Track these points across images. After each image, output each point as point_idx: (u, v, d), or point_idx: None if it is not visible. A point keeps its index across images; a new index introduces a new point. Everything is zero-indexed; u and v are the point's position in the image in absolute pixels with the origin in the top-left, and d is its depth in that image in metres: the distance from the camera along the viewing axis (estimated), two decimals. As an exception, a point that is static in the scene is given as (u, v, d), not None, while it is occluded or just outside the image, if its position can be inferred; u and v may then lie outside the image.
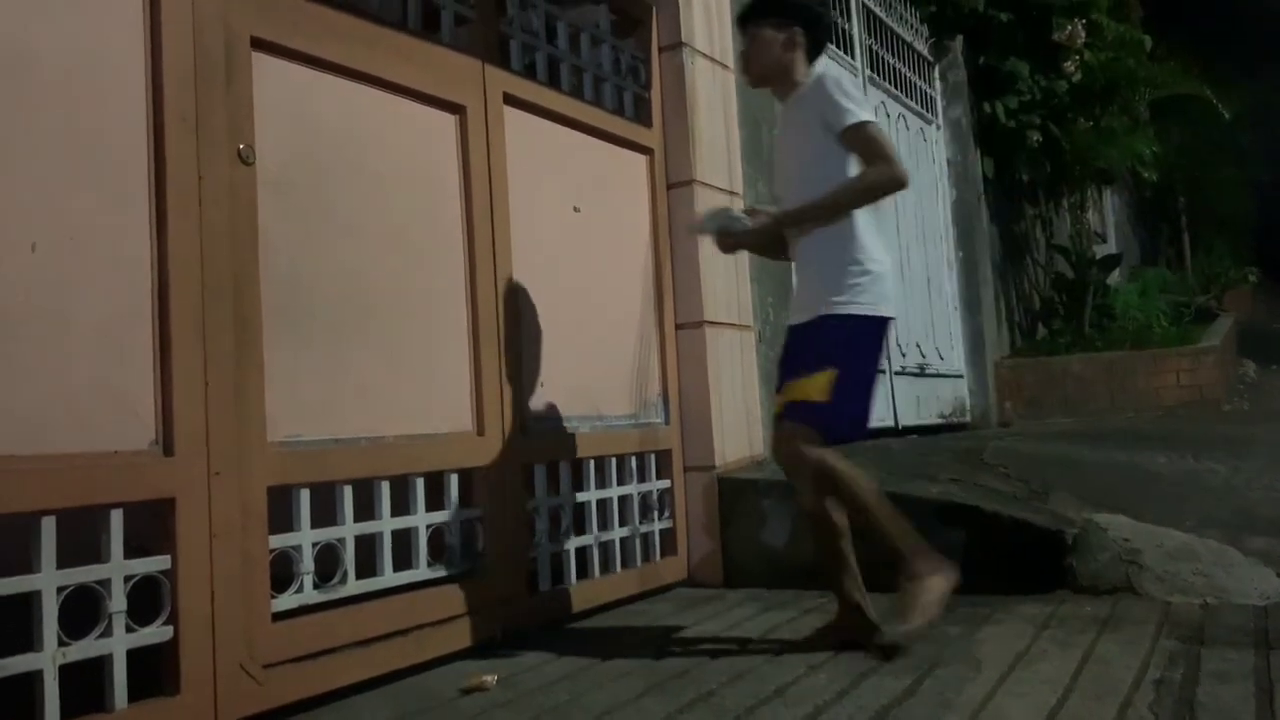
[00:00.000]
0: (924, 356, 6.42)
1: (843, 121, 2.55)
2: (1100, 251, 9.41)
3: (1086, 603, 3.02)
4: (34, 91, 1.94)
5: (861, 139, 2.55)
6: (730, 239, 2.80)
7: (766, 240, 2.80)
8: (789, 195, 2.77)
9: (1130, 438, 5.21)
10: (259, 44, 2.39)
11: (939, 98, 7.26)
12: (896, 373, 5.96)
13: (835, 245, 2.61)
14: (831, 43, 2.82)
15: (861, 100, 2.60)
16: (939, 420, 6.52)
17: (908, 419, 6.01)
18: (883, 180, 2.56)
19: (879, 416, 5.67)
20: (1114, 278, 9.08)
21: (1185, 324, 8.39)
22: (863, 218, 2.61)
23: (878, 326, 2.61)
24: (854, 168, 2.59)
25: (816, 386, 2.53)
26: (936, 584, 2.56)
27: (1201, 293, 10.00)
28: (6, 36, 1.91)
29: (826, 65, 2.76)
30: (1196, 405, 6.93)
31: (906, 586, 2.56)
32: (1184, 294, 9.72)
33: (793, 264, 2.84)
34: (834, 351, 2.56)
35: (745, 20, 2.79)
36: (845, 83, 2.63)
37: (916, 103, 6.86)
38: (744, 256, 4.12)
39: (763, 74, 2.80)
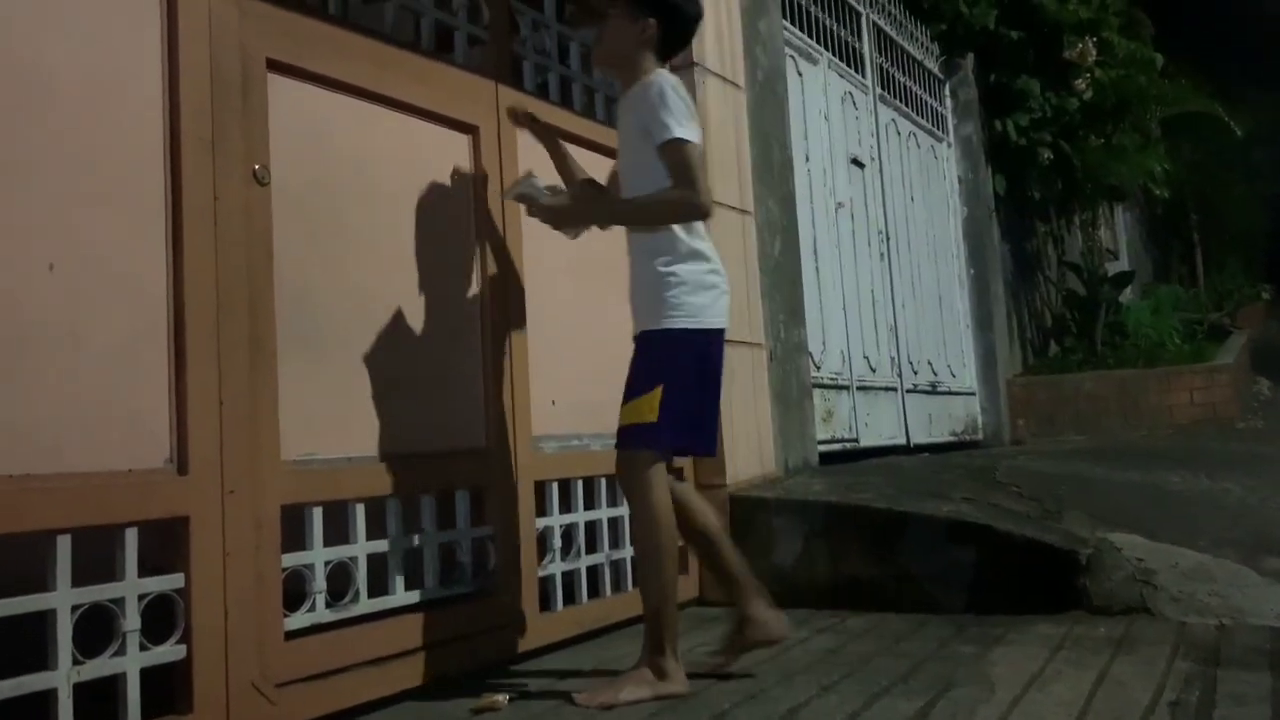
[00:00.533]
0: (935, 374, 6.41)
1: (659, 136, 2.46)
2: (1112, 268, 9.40)
3: (1101, 623, 3.00)
4: (52, 112, 1.96)
5: (671, 157, 2.46)
6: (531, 208, 2.75)
7: (569, 219, 2.75)
8: (623, 191, 2.70)
9: (1144, 456, 5.20)
10: (275, 65, 2.41)
11: (950, 115, 7.27)
12: (908, 390, 5.96)
13: (651, 258, 2.54)
14: (686, 45, 2.67)
15: (684, 113, 2.48)
16: (951, 438, 6.50)
17: (919, 436, 6.00)
18: (681, 205, 2.48)
19: (890, 434, 5.66)
20: (1126, 295, 9.06)
21: (1198, 341, 8.37)
22: (680, 228, 2.54)
23: (701, 338, 2.53)
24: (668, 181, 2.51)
25: (648, 406, 2.46)
26: (653, 685, 2.43)
27: (1214, 310, 9.98)
28: (25, 58, 1.93)
29: (663, 74, 2.58)
30: (1210, 423, 6.91)
31: (632, 668, 2.48)
32: (1197, 311, 9.69)
33: None
34: (657, 368, 2.49)
35: (594, 5, 2.69)
36: (670, 94, 2.48)
37: (927, 120, 6.88)
38: (755, 276, 4.13)
39: (608, 61, 2.75)
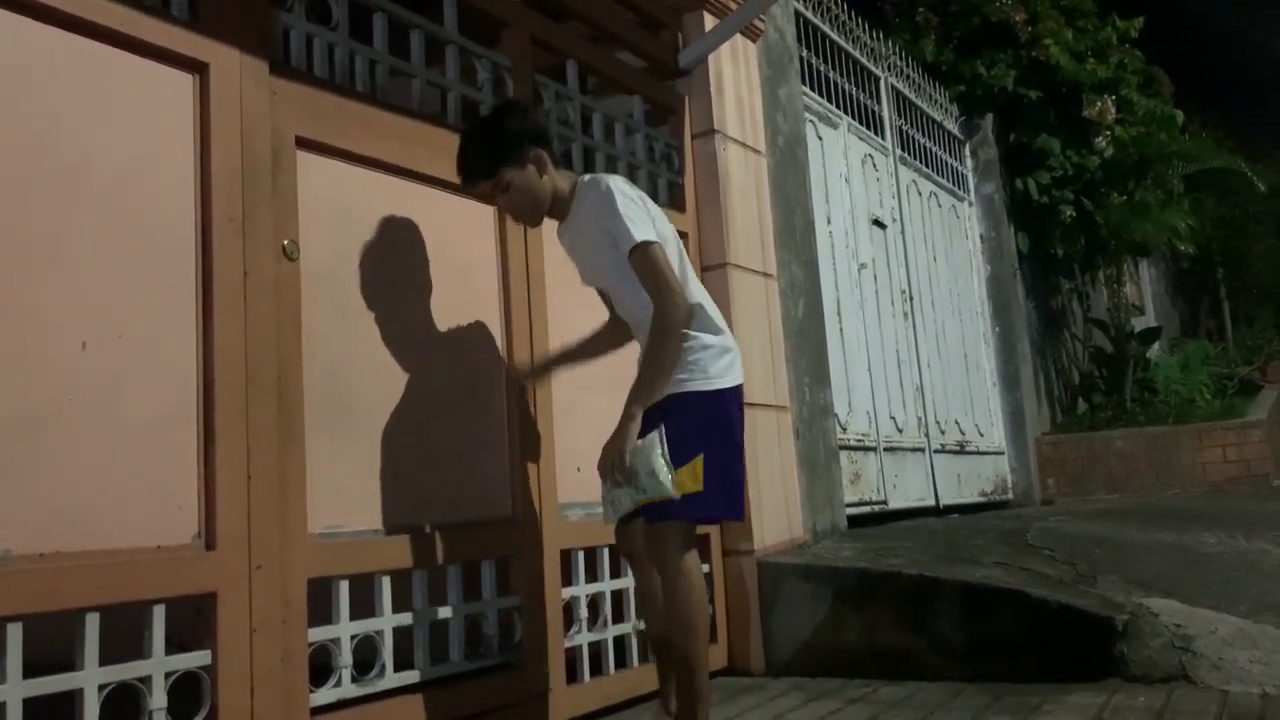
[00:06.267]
0: (963, 433, 6.36)
1: (624, 246, 2.43)
2: (1139, 324, 9.33)
3: (1140, 692, 2.93)
4: (87, 195, 2.01)
5: (639, 266, 2.44)
6: (603, 467, 2.50)
7: (624, 439, 2.45)
8: (631, 316, 2.64)
9: (1178, 516, 5.11)
10: (304, 143, 2.46)
11: (970, 174, 7.31)
12: (936, 451, 5.91)
13: None
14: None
15: (640, 212, 2.46)
16: (981, 498, 6.43)
17: (949, 497, 5.94)
18: (672, 322, 2.42)
19: (918, 496, 5.61)
20: (1154, 350, 8.98)
21: (1229, 397, 8.25)
22: (691, 296, 2.52)
23: (730, 395, 2.52)
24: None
25: (690, 476, 2.41)
26: None
27: (1244, 364, 9.84)
28: (63, 143, 1.98)
29: (594, 177, 2.56)
30: (1244, 481, 6.79)
31: None
32: (1227, 366, 9.57)
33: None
34: (693, 435, 2.43)
35: (480, 178, 2.55)
36: (618, 196, 2.45)
37: (948, 180, 6.91)
38: (779, 339, 4.13)
39: (535, 214, 2.63)
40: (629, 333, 2.74)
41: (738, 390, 2.56)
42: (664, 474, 2.38)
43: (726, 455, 2.51)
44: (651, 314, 2.47)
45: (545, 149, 2.57)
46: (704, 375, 2.49)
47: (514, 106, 2.67)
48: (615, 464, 2.44)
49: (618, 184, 2.51)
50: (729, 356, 2.55)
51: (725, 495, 2.50)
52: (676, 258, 2.54)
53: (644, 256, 2.43)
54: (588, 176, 2.62)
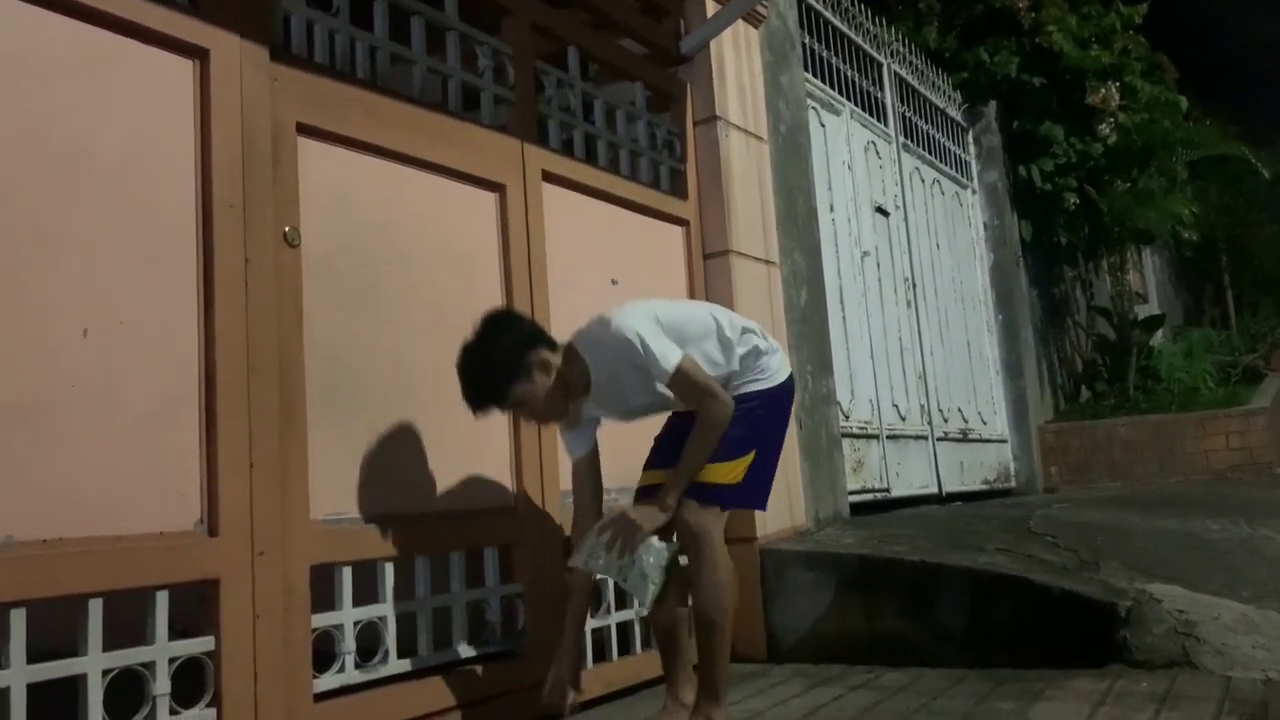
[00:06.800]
0: (966, 421, 6.35)
1: (661, 377, 2.45)
2: (1142, 312, 9.30)
3: (1142, 678, 2.93)
4: (88, 181, 2.01)
5: (679, 388, 2.48)
6: (616, 539, 2.48)
7: (658, 515, 2.49)
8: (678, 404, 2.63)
9: (1181, 504, 5.11)
10: (304, 129, 2.45)
11: (974, 162, 7.28)
12: (939, 439, 5.90)
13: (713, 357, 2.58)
14: None
15: (656, 337, 2.44)
16: (983, 486, 6.43)
17: (951, 485, 5.93)
18: (716, 421, 2.47)
19: (921, 483, 5.61)
20: (1157, 338, 8.96)
21: (1233, 385, 8.24)
22: (717, 327, 2.59)
23: (786, 389, 2.67)
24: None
25: (736, 468, 2.53)
26: None
27: (1248, 352, 9.81)
28: (63, 129, 1.98)
29: (592, 335, 2.54)
30: (1247, 468, 6.78)
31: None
32: (1230, 354, 9.55)
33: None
34: (753, 433, 2.56)
35: (492, 405, 2.49)
36: (637, 339, 2.42)
37: (951, 167, 6.89)
38: (781, 327, 4.13)
39: (558, 409, 2.57)
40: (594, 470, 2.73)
41: (790, 381, 2.70)
42: (653, 588, 2.44)
43: (770, 455, 2.64)
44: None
45: (543, 347, 2.51)
46: (762, 375, 2.63)
47: (500, 321, 2.54)
48: (624, 542, 2.46)
49: (625, 322, 2.46)
50: (776, 358, 2.68)
51: (756, 487, 2.62)
52: (701, 322, 2.59)
53: (680, 379, 2.47)
54: (579, 337, 2.56)
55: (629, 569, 2.45)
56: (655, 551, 2.45)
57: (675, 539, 2.54)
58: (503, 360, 2.44)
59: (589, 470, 2.72)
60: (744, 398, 2.58)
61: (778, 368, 2.67)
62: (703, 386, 2.49)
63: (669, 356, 2.44)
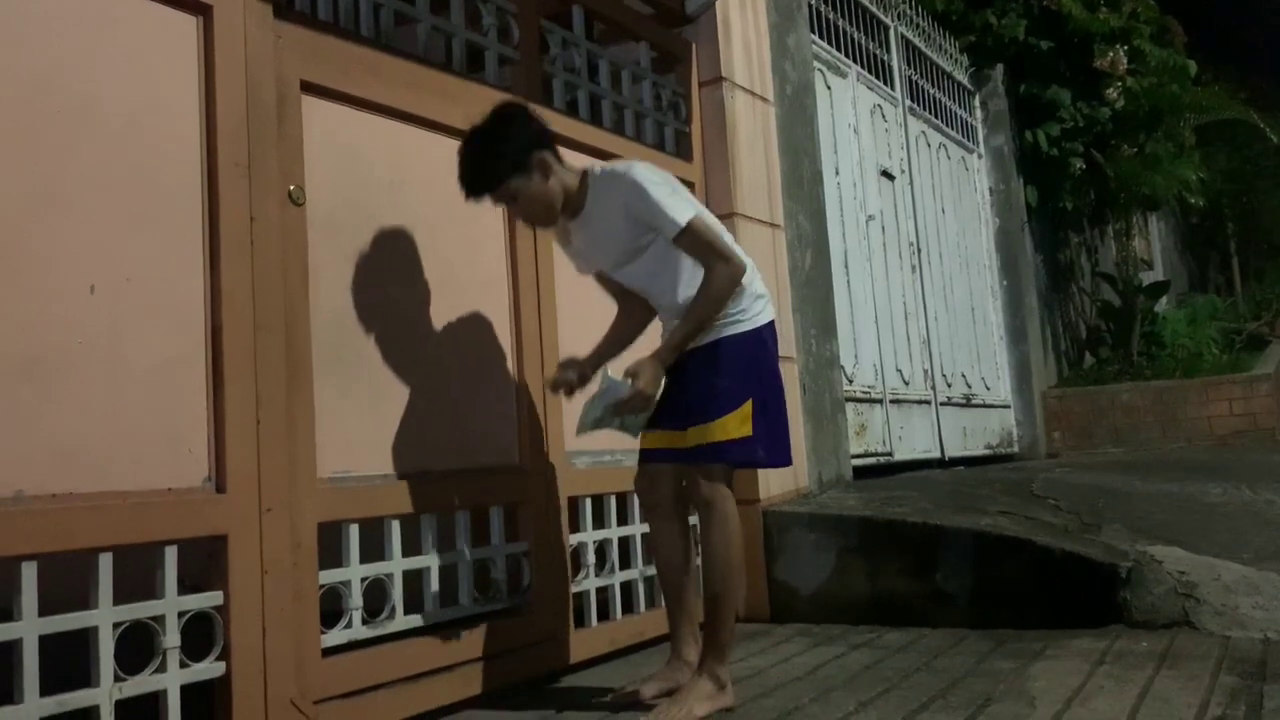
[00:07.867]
0: (969, 386, 6.36)
1: (671, 231, 2.43)
2: (1147, 278, 9.28)
3: (1142, 637, 2.96)
4: (92, 139, 2.00)
5: (692, 242, 2.44)
6: (631, 405, 2.50)
7: (655, 384, 2.50)
8: (656, 298, 2.66)
9: (1183, 468, 5.12)
10: (309, 88, 2.44)
11: (980, 126, 7.24)
12: (942, 403, 5.91)
13: (696, 281, 2.51)
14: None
15: (670, 194, 2.45)
16: (986, 451, 6.45)
17: (954, 450, 5.95)
18: (726, 284, 2.45)
19: (924, 448, 5.62)
20: (1162, 305, 8.95)
21: (1237, 351, 8.23)
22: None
23: (767, 333, 2.58)
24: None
25: (739, 420, 2.45)
26: (714, 698, 2.44)
27: (1253, 319, 9.80)
28: (67, 86, 1.97)
29: (610, 170, 2.54)
30: (1250, 435, 6.79)
31: (694, 678, 2.47)
32: (1235, 321, 9.53)
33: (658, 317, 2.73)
34: (740, 379, 2.48)
35: (486, 191, 2.48)
36: (650, 187, 2.43)
37: (957, 131, 6.85)
38: (786, 290, 4.13)
39: (548, 216, 2.56)
40: (642, 313, 2.76)
41: (771, 325, 2.60)
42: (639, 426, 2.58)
43: (772, 400, 2.55)
44: (677, 293, 2.54)
45: (549, 151, 2.51)
46: (744, 316, 2.54)
47: (513, 113, 2.52)
48: (637, 398, 2.46)
49: (640, 173, 2.47)
50: (762, 301, 2.59)
51: (772, 438, 2.54)
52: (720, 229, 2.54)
53: (692, 234, 2.43)
54: (600, 168, 2.57)
55: (633, 420, 2.58)
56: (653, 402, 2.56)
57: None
58: (507, 150, 2.45)
59: (620, 319, 2.80)
60: (720, 342, 2.50)
61: (759, 311, 2.57)
62: (717, 243, 2.45)
63: (684, 211, 2.43)
